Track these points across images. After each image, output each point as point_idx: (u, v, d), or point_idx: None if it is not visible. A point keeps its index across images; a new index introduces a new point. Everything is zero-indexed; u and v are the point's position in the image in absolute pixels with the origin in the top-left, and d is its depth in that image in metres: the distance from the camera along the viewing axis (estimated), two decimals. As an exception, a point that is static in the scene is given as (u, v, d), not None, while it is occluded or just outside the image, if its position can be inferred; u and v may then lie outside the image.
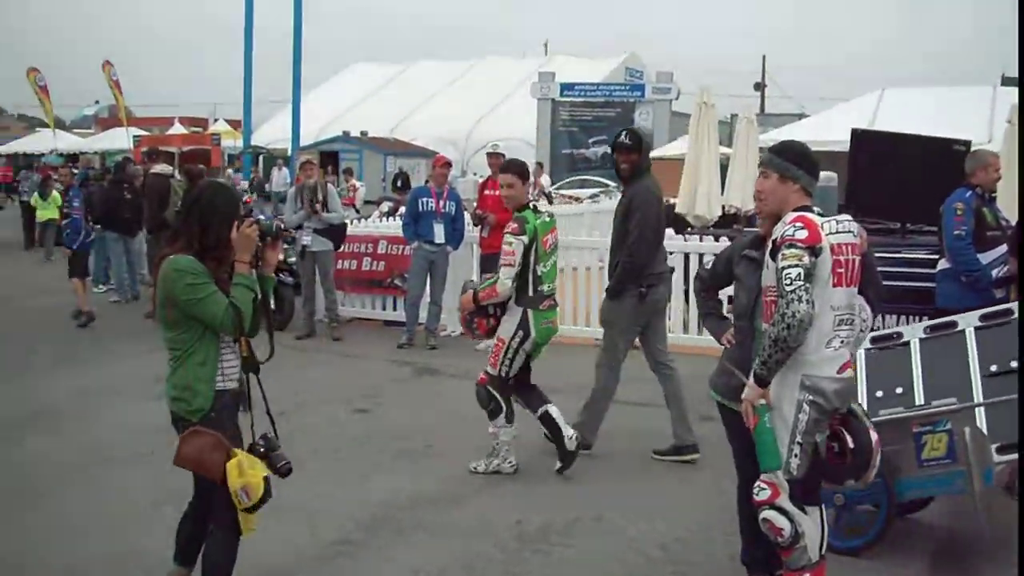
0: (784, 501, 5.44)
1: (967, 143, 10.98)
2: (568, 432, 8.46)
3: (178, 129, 61.98)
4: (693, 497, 7.99)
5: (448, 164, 15.24)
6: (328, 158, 46.58)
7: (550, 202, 26.69)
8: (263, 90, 46.96)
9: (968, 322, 7.27)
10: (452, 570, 6.65)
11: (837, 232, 5.42)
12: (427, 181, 17.43)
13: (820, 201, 10.28)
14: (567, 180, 46.26)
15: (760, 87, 72.88)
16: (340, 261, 15.64)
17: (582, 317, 14.63)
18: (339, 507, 7.65)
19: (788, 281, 5.15)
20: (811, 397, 5.38)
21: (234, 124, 61.10)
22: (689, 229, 16.33)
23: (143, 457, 8.97)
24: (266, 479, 5.29)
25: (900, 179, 10.66)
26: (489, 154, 14.66)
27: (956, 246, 9.36)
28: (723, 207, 17.73)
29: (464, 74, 73.43)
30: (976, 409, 6.63)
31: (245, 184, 39.33)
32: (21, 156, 60.06)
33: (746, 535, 6.15)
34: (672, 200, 18.95)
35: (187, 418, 5.36)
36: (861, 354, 7.52)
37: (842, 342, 5.43)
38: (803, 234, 5.23)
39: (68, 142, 61.21)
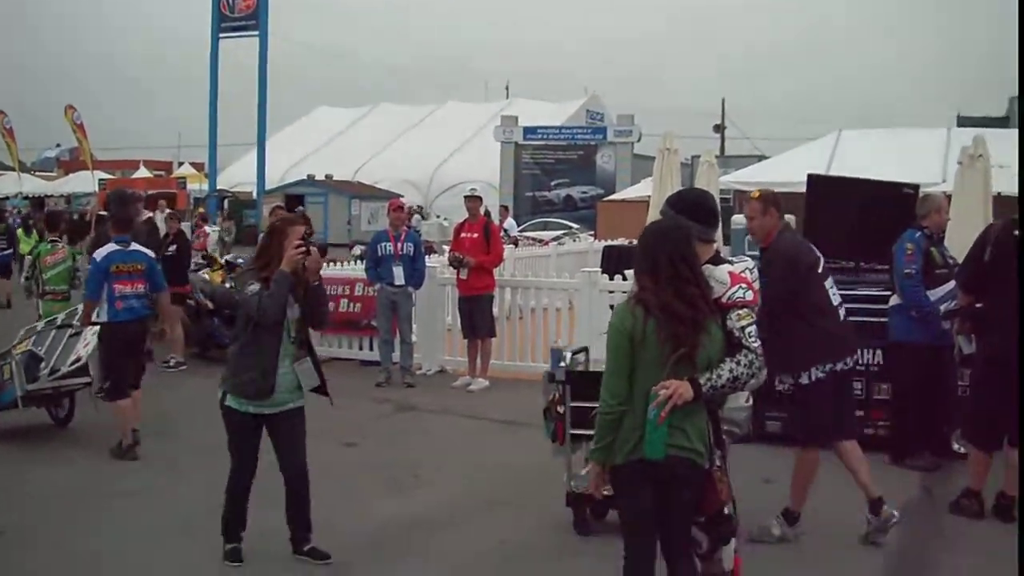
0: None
1: (916, 186, 11.58)
2: None
3: (143, 173, 62.04)
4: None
5: (401, 207, 15.76)
6: (293, 201, 46.87)
7: (515, 245, 27.19)
8: (228, 133, 47.14)
9: None
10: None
11: (755, 280, 5.98)
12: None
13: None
14: (530, 222, 46.78)
15: (720, 129, 73.83)
16: (318, 303, 16.15)
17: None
18: (337, 533, 8.10)
19: (753, 338, 5.59)
20: (728, 427, 5.96)
21: (199, 167, 61.39)
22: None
23: (143, 490, 9.59)
24: None
25: (854, 220, 11.19)
26: (467, 197, 15.09)
27: (906, 284, 9.96)
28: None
29: (427, 117, 73.99)
30: None
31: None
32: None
33: None
34: (634, 241, 19.61)
35: None
36: None
37: None
38: (750, 295, 5.71)
39: (33, 185, 61.20)
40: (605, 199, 44.96)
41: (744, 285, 5.72)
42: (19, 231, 28.77)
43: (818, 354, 7.90)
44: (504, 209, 39.03)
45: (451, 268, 15.04)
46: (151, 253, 11.42)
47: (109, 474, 10.13)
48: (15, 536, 8.25)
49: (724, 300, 5.63)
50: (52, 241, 14.13)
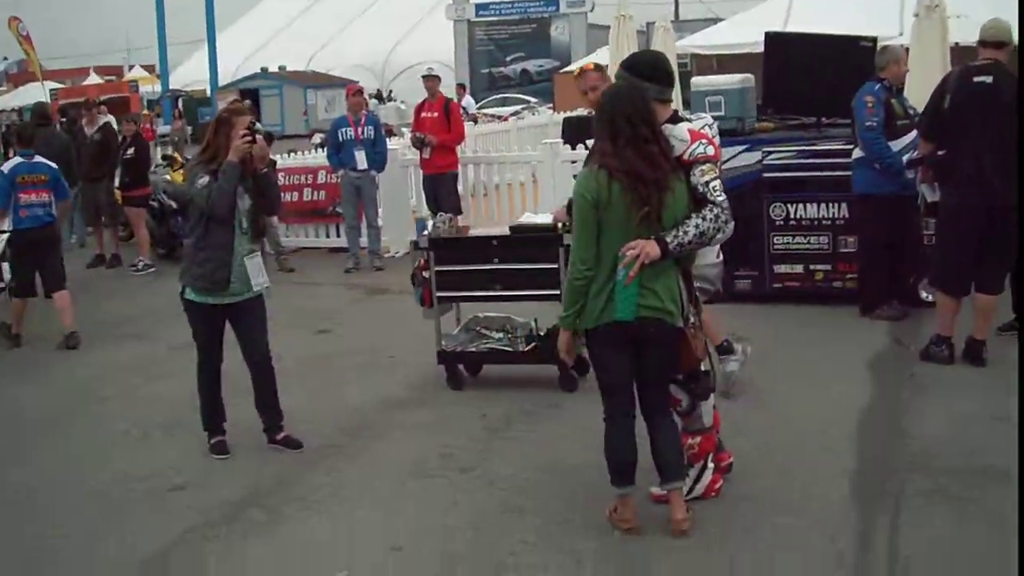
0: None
1: (873, 39, 11.48)
2: None
3: (94, 79, 61.08)
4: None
5: (360, 91, 15.69)
6: (248, 95, 46.37)
7: (475, 123, 27.07)
8: (176, 31, 46.49)
9: None
10: (431, 459, 7.31)
11: (716, 136, 6.16)
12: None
13: (740, 100, 10.95)
14: (488, 99, 46.48)
15: (673, -7, 73.09)
16: (282, 193, 16.16)
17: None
18: (319, 417, 8.26)
19: (717, 192, 5.58)
20: (700, 284, 6.11)
21: (150, 68, 60.64)
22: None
23: (126, 392, 9.65)
24: None
25: (813, 77, 11.09)
26: (424, 76, 15.07)
27: (868, 136, 9.95)
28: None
29: (377, 0, 73.09)
30: None
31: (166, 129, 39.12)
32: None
33: None
34: (592, 112, 19.51)
35: None
36: None
37: None
38: (711, 151, 5.71)
39: (-18, 101, 60.22)
40: (561, 71, 44.61)
41: (704, 141, 5.73)
42: None
43: None
44: (460, 88, 38.76)
45: (413, 149, 15.00)
46: (54, 165, 11.99)
47: (85, 381, 10.14)
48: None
49: (686, 157, 5.64)
50: None
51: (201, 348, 7.67)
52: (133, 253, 16.15)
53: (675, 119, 5.89)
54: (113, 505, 7.02)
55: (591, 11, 53.03)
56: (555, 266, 8.31)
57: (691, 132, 5.75)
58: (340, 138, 14.64)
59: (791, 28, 25.53)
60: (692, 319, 5.79)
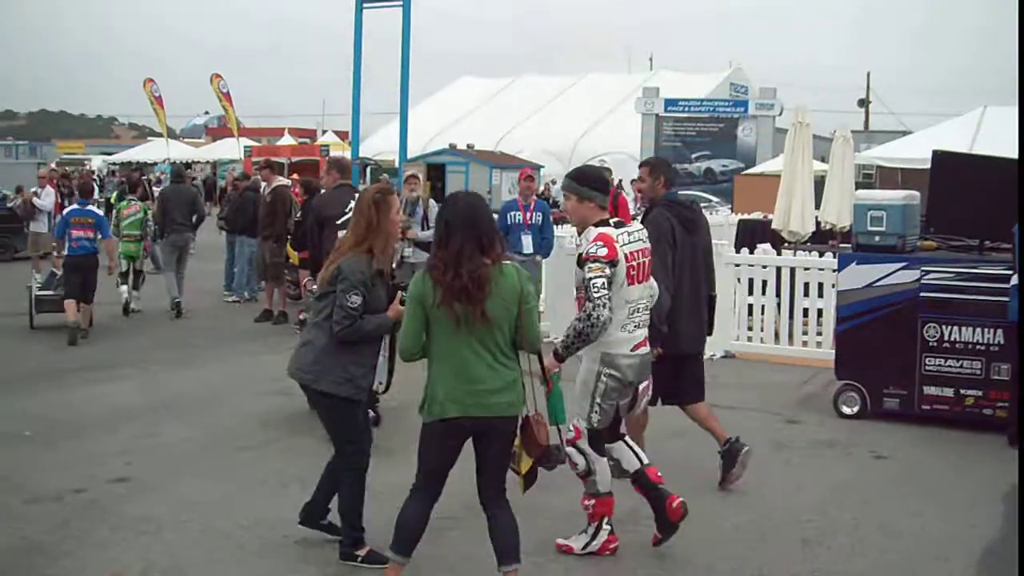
0: (583, 443, 7.10)
1: (1045, 165, 11.36)
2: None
3: (288, 140, 63.02)
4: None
5: (531, 177, 15.91)
6: (435, 171, 47.22)
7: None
8: (371, 102, 47.69)
9: None
10: (548, 545, 7.40)
11: (629, 243, 6.76)
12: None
13: (902, 217, 10.83)
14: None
15: (864, 103, 72.59)
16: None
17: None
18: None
19: (595, 289, 6.42)
20: (608, 370, 6.84)
21: (342, 135, 62.20)
22: (784, 244, 16.82)
23: (266, 444, 10.03)
24: None
25: (979, 198, 11.01)
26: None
27: (1028, 264, 9.80)
28: (818, 222, 18.25)
29: (569, 88, 73.87)
30: None
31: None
32: (135, 164, 61.58)
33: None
34: (768, 216, 19.52)
35: None
36: None
37: (636, 326, 6.86)
38: (603, 251, 6.53)
39: (180, 151, 62.64)
40: (744, 172, 44.53)
41: (602, 243, 6.57)
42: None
43: None
44: (634, 181, 38.94)
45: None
46: (100, 212, 17.09)
47: (229, 429, 10.62)
48: (138, 484, 8.72)
49: (583, 254, 6.58)
50: (128, 199, 19.11)
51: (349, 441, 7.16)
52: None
53: (603, 223, 6.71)
54: (234, 547, 7.34)
55: (779, 115, 52.82)
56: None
57: (599, 235, 6.61)
58: (508, 221, 14.88)
59: (979, 146, 25.28)
60: (527, 411, 6.31)
